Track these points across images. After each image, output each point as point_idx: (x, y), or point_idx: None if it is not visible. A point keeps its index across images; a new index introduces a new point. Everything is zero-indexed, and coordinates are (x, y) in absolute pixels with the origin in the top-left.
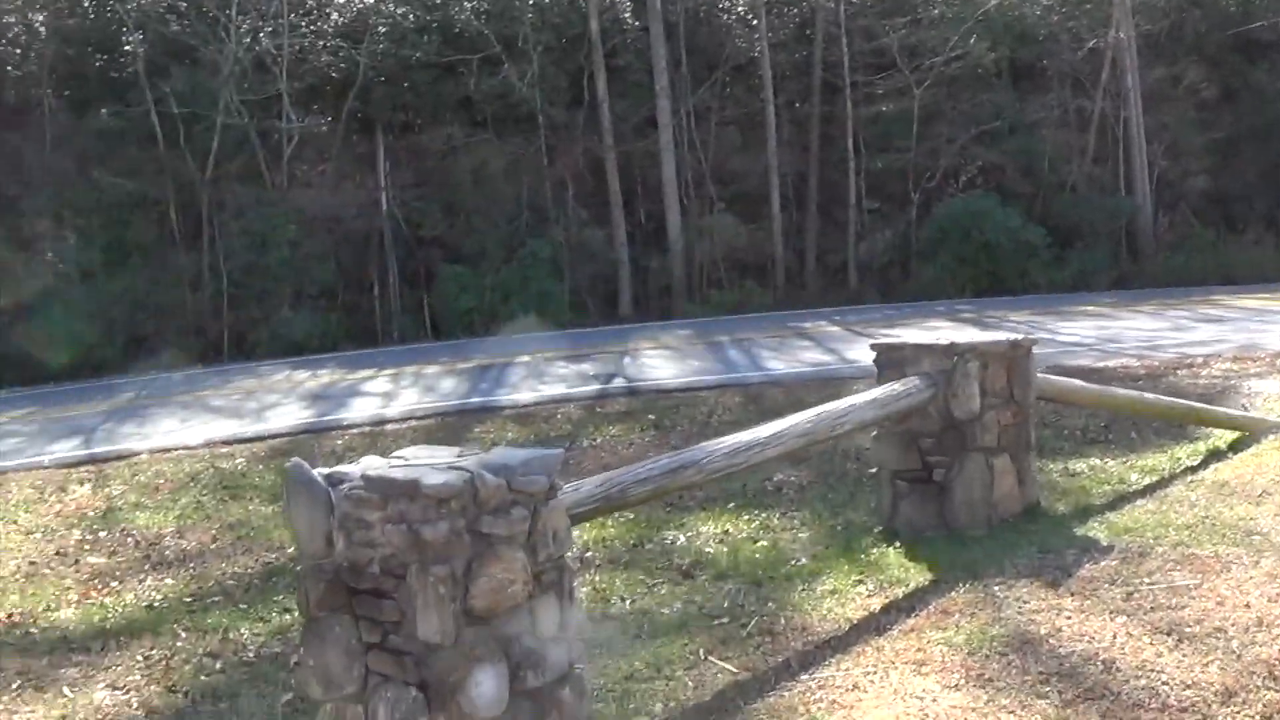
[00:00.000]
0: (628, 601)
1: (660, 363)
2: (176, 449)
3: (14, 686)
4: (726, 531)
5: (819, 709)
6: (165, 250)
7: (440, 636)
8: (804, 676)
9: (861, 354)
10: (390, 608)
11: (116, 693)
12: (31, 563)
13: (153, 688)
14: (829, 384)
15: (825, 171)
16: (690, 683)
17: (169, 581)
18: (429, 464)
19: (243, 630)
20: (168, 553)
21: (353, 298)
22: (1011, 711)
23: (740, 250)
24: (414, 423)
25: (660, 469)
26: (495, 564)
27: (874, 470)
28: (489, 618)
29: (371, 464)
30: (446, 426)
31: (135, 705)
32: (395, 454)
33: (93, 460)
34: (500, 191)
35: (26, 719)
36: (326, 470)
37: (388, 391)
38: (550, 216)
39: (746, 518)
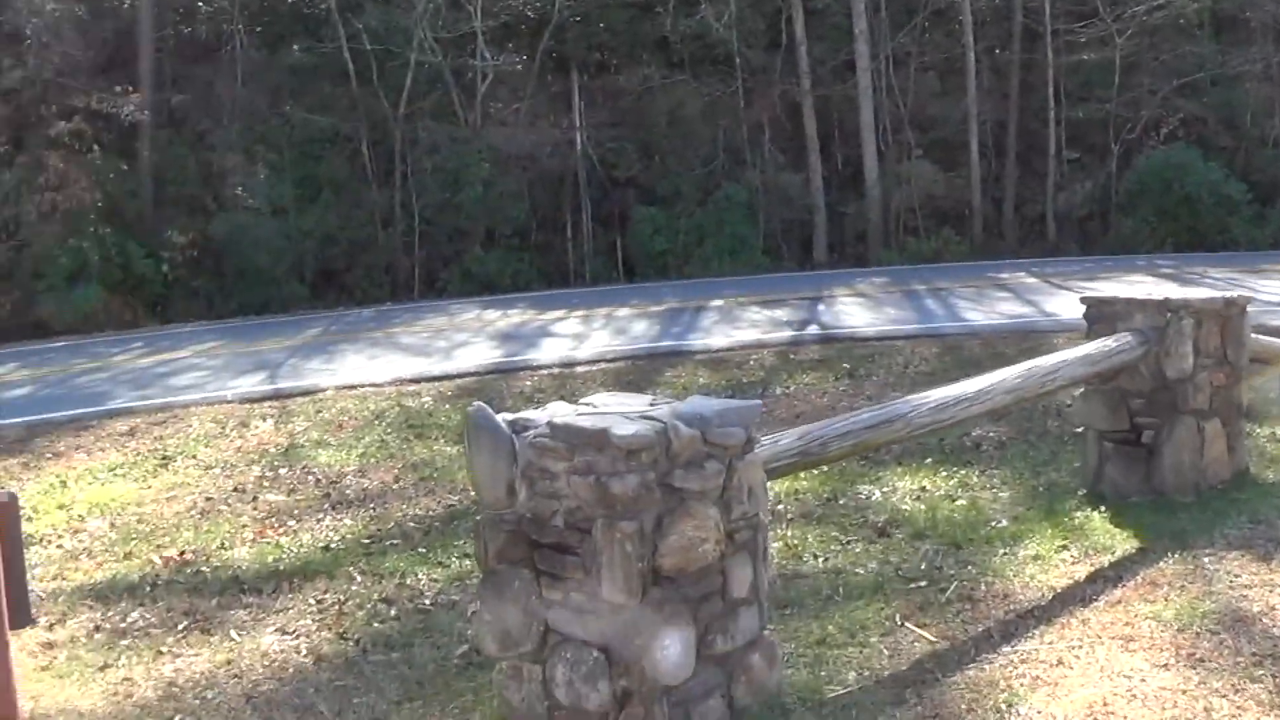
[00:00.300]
0: (820, 559)
1: (855, 310)
2: (362, 386)
3: (180, 628)
4: (923, 488)
5: (1021, 685)
6: (357, 186)
7: (626, 596)
8: (1005, 648)
9: (1061, 307)
10: (573, 564)
11: (285, 638)
12: (208, 499)
13: (323, 633)
14: (1028, 337)
15: (1024, 120)
16: (885, 650)
17: (347, 522)
18: (619, 413)
19: (420, 576)
20: (348, 492)
21: (545, 238)
22: (1224, 695)
23: (938, 198)
24: (604, 365)
25: (863, 423)
26: (686, 521)
27: (1078, 429)
28: (677, 577)
29: (558, 411)
30: (636, 370)
31: (304, 652)
32: (583, 400)
33: (277, 396)
34: (696, 133)
35: (190, 662)
36: (511, 416)
37: (578, 333)
38: (746, 160)
39: (944, 474)
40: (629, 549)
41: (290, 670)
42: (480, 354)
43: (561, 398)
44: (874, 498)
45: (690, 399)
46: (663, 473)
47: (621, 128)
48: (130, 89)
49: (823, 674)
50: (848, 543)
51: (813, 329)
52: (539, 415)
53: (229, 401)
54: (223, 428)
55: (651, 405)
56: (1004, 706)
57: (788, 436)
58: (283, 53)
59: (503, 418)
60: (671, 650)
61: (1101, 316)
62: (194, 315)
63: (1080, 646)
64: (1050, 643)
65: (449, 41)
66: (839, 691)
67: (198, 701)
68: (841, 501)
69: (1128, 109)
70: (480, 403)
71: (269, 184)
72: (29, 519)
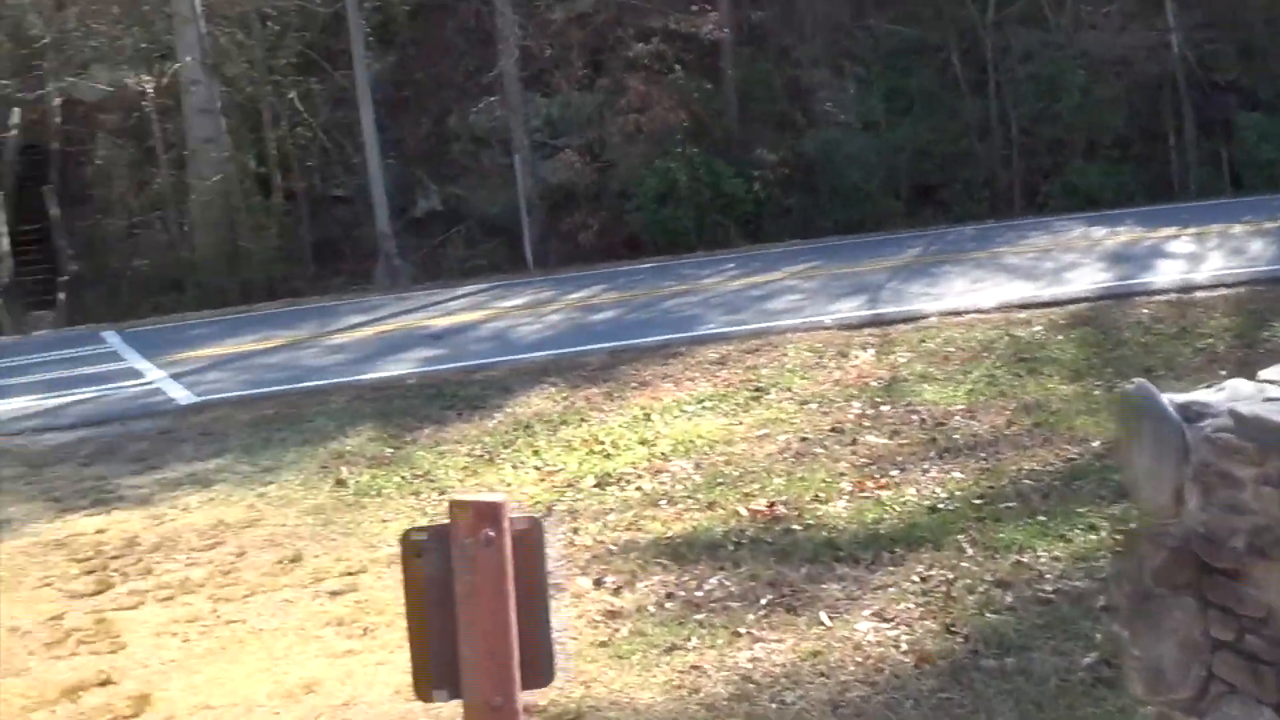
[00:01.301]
0: None
1: None
2: (967, 312)
3: (763, 602)
4: None
5: None
6: (948, 98)
7: None
8: None
9: None
10: (1253, 599)
11: (883, 626)
12: (803, 439)
13: (927, 623)
14: None
15: None
16: None
17: (956, 475)
18: None
19: (1039, 552)
20: (955, 436)
21: (1145, 148)
22: None
23: None
24: (1224, 291)
25: None
26: None
27: None
28: None
29: (1240, 392)
30: (1259, 297)
31: (903, 646)
32: (1264, 375)
33: (876, 322)
34: None
35: (770, 650)
36: (1181, 398)
37: (1191, 253)
38: None
39: None
40: None
41: (886, 672)
42: (1090, 276)
43: (1183, 329)
44: None
45: None
46: None
47: (1218, 28)
48: (708, 7)
49: None
50: None
51: None
52: (1217, 398)
53: (827, 328)
54: (820, 357)
55: None
56: None
57: None
58: None
59: (1170, 400)
60: None
61: None
62: (786, 234)
63: None
64: None
65: None
66: None
67: (774, 705)
68: None
69: None
70: (1144, 380)
71: (858, 98)
72: (607, 455)
